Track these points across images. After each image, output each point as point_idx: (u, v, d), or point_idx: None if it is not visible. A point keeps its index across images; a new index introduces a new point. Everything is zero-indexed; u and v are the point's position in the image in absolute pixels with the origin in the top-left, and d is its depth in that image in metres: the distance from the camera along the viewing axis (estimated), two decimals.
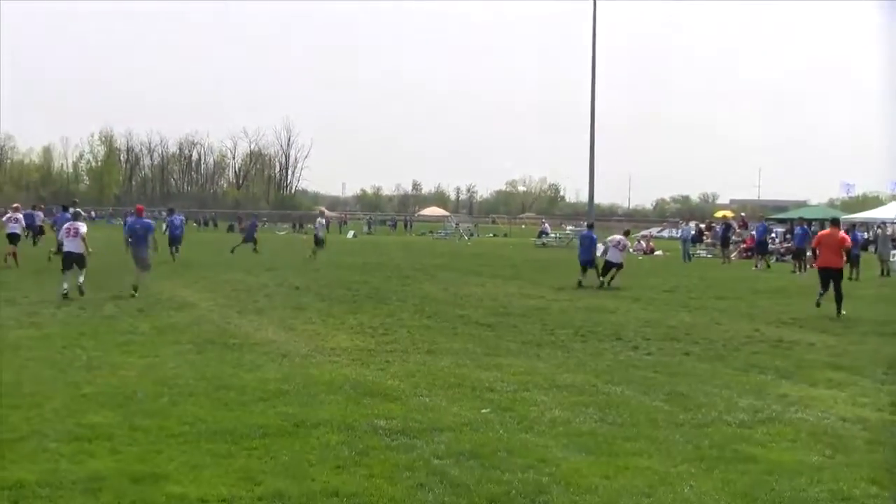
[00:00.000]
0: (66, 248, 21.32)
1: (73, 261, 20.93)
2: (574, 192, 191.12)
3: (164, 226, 39.77)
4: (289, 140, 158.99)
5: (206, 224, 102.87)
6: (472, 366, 12.64)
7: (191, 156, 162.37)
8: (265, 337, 14.98)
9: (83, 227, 21.45)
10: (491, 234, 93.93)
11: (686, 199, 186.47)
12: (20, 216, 32.01)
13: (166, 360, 12.51)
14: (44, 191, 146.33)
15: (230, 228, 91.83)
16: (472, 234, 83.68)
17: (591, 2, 59.48)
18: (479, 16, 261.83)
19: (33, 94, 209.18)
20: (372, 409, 9.60)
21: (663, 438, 8.73)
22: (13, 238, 30.24)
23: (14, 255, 29.30)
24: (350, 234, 79.01)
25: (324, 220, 43.79)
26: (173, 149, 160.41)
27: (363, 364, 12.57)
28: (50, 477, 7.05)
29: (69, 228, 21.31)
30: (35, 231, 41.46)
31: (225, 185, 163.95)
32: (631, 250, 27.07)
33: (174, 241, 35.90)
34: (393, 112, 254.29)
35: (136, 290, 21.09)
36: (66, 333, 14.70)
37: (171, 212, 39.66)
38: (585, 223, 60.16)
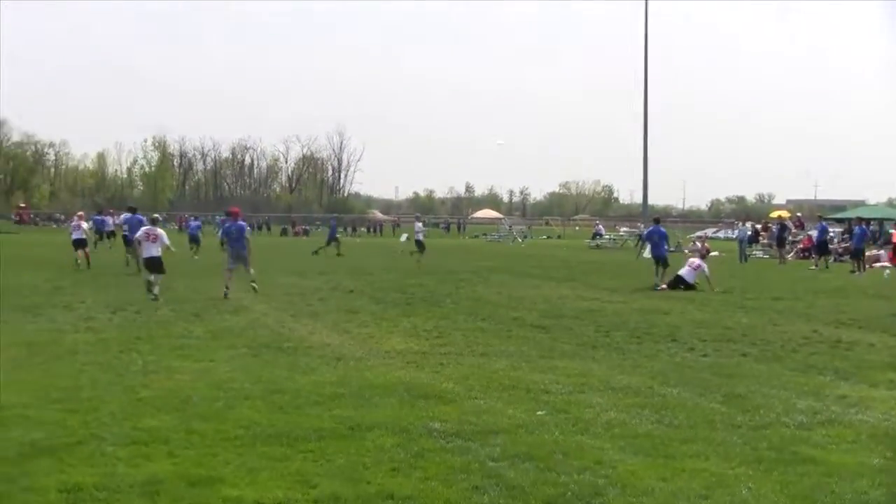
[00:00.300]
0: (146, 254, 22.15)
1: (155, 265, 21.85)
2: (628, 193, 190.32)
3: (218, 229, 40.65)
4: (341, 144, 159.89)
5: (259, 228, 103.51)
6: (527, 368, 12.61)
7: (243, 160, 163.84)
8: (319, 340, 15.05)
9: (164, 234, 22.68)
10: (544, 236, 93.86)
11: (741, 199, 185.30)
12: (84, 224, 33.72)
13: (221, 363, 12.60)
14: (98, 196, 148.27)
15: (283, 232, 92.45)
16: (525, 237, 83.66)
17: (644, 1, 59.19)
18: (532, 17, 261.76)
19: (87, 101, 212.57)
20: (426, 412, 9.61)
21: (720, 440, 8.65)
22: (79, 243, 31.95)
23: (86, 255, 31.55)
24: (403, 237, 79.11)
25: (422, 225, 44.47)
26: (226, 154, 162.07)
27: (417, 367, 12.59)
28: (107, 480, 7.12)
29: (149, 233, 22.31)
30: (107, 235, 42.77)
31: (277, 190, 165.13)
32: (706, 272, 26.54)
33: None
34: (445, 115, 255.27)
35: (255, 286, 22.47)
36: (122, 338, 14.86)
37: (227, 214, 40.39)
38: (642, 224, 59.99)
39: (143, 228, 23.31)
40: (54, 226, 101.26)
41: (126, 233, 31.55)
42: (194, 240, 42.42)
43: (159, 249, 22.08)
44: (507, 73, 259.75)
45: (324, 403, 10.00)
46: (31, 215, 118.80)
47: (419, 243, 40.90)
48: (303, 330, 16.36)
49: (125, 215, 34.34)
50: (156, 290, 21.24)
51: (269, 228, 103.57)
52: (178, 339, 14.82)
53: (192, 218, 56.38)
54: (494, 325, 17.37)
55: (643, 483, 7.25)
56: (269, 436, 8.50)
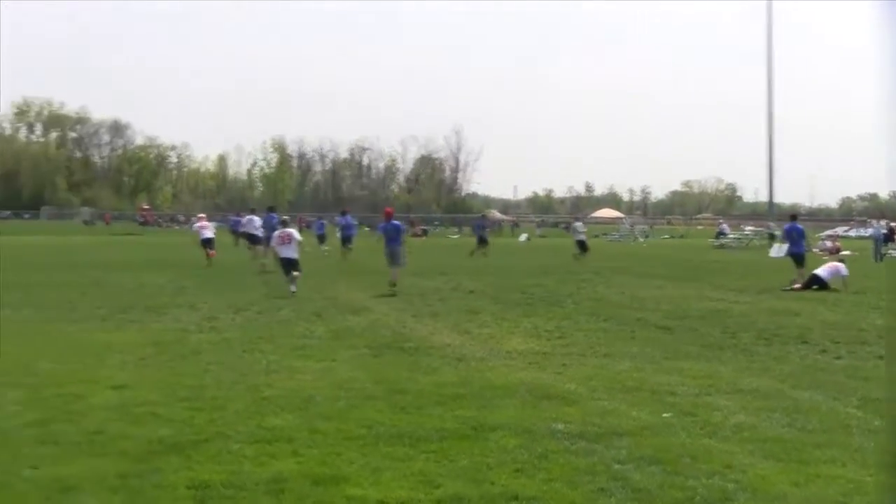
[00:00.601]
0: (282, 255, 23.59)
1: (291, 266, 23.05)
2: (752, 191, 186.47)
3: (336, 228, 42.18)
4: (458, 144, 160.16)
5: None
6: (651, 369, 12.46)
7: (361, 161, 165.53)
8: (440, 341, 15.11)
9: (295, 233, 24.13)
10: (666, 236, 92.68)
11: (874, 196, 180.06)
12: (209, 223, 36.29)
13: (343, 363, 12.74)
14: (219, 198, 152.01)
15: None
16: (646, 236, 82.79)
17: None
18: (651, 18, 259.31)
19: (207, 104, 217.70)
20: (549, 413, 9.57)
21: (857, 446, 8.40)
22: (207, 242, 34.07)
23: (210, 255, 33.45)
24: (523, 237, 79.06)
25: (581, 224, 44.00)
26: (344, 154, 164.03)
27: (539, 367, 12.56)
28: (234, 478, 7.25)
29: (282, 237, 23.73)
30: (239, 236, 44.37)
31: (395, 190, 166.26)
32: (843, 274, 25.66)
33: (346, 240, 39.00)
34: (564, 114, 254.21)
35: (394, 286, 23.75)
36: (245, 338, 15.13)
37: (343, 213, 41.74)
38: (773, 223, 58.91)
39: (276, 232, 24.59)
40: (176, 227, 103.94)
41: (256, 231, 34.63)
42: (321, 238, 44.36)
43: (294, 249, 23.25)
44: (627, 74, 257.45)
45: (446, 404, 10.03)
46: (155, 217, 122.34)
47: (581, 244, 40.71)
48: (424, 330, 16.46)
49: (251, 218, 36.72)
50: (293, 286, 22.36)
51: None
52: (300, 339, 15.05)
53: (317, 218, 59.58)
54: (617, 326, 17.24)
55: (775, 488, 7.10)
56: (392, 436, 8.56)
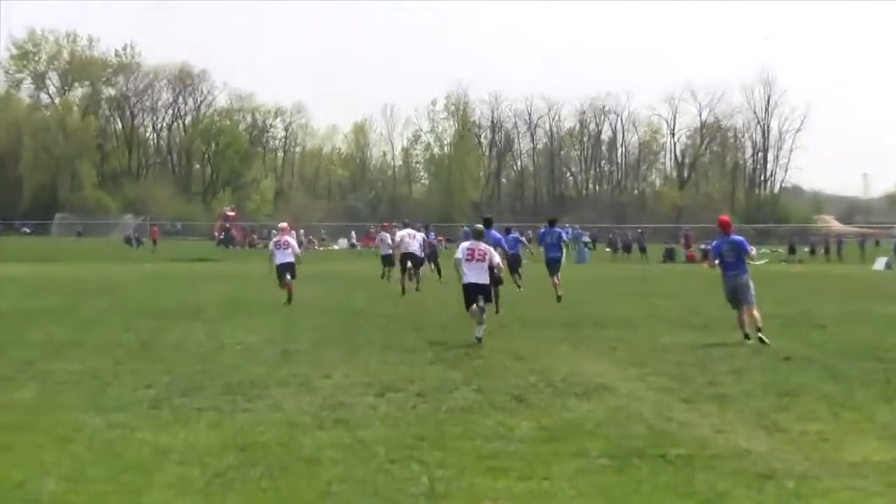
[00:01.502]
0: (466, 280, 25.19)
1: (479, 293, 24.95)
2: None
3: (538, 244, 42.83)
4: (768, 102, 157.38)
5: (626, 250, 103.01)
6: None
7: (599, 133, 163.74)
8: (732, 443, 14.81)
9: (492, 250, 25.93)
10: None
11: None
12: (293, 241, 39.43)
13: (562, 483, 12.54)
14: (353, 196, 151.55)
15: (668, 256, 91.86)
16: None
17: None
18: None
19: (333, 46, 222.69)
20: None
21: None
22: (286, 269, 37.08)
23: (290, 287, 36.75)
24: (880, 262, 77.83)
25: None
26: (569, 122, 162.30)
27: None
28: None
29: (473, 251, 25.56)
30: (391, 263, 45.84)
31: (657, 182, 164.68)
32: None
33: (550, 264, 41.16)
34: None
35: (757, 332, 26.02)
36: (394, 438, 15.06)
37: (550, 223, 41.63)
38: None
39: (464, 245, 26.15)
40: None
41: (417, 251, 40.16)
42: (515, 261, 43.67)
43: (485, 271, 24.80)
44: None
45: None
46: (247, 230, 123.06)
47: None
48: (703, 425, 16.21)
49: (409, 232, 38.54)
50: (481, 329, 24.25)
51: (642, 249, 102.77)
52: (489, 442, 14.91)
53: (507, 231, 59.87)
54: None
55: None
56: None
